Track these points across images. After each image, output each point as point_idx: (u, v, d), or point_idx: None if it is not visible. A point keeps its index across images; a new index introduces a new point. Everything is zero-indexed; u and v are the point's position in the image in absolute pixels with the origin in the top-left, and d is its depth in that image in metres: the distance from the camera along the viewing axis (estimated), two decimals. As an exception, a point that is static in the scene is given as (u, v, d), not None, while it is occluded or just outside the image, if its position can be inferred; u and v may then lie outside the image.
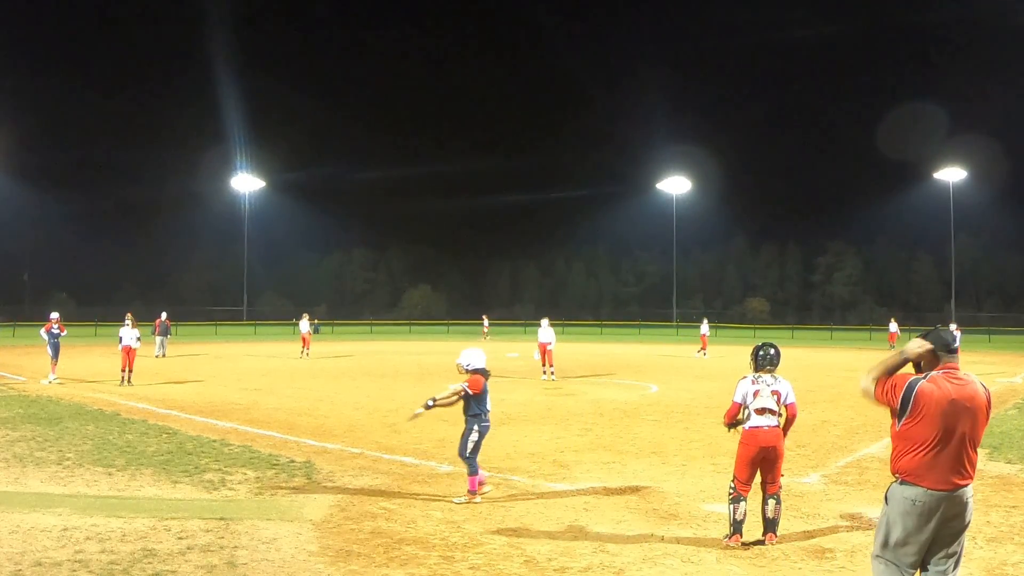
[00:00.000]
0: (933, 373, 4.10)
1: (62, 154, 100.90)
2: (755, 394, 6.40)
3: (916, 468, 4.05)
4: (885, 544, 4.15)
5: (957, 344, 4.21)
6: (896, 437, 4.14)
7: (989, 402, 4.14)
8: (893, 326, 40.25)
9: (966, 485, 4.07)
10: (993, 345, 44.12)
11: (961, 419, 4.02)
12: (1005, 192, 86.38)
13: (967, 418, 4.03)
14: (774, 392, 6.44)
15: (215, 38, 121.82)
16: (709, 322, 35.99)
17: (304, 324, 32.18)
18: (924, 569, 4.18)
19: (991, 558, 6.13)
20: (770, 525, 6.47)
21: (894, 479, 4.15)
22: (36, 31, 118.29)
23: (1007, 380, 21.68)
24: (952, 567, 4.12)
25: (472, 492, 7.74)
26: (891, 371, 4.13)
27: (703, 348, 32.77)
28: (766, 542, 6.40)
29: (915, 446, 4.04)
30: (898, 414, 4.09)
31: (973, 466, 4.12)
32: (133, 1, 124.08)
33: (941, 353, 4.13)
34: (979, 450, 11.66)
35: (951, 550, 4.11)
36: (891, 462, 4.18)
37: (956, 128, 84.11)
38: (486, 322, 55.50)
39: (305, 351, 30.85)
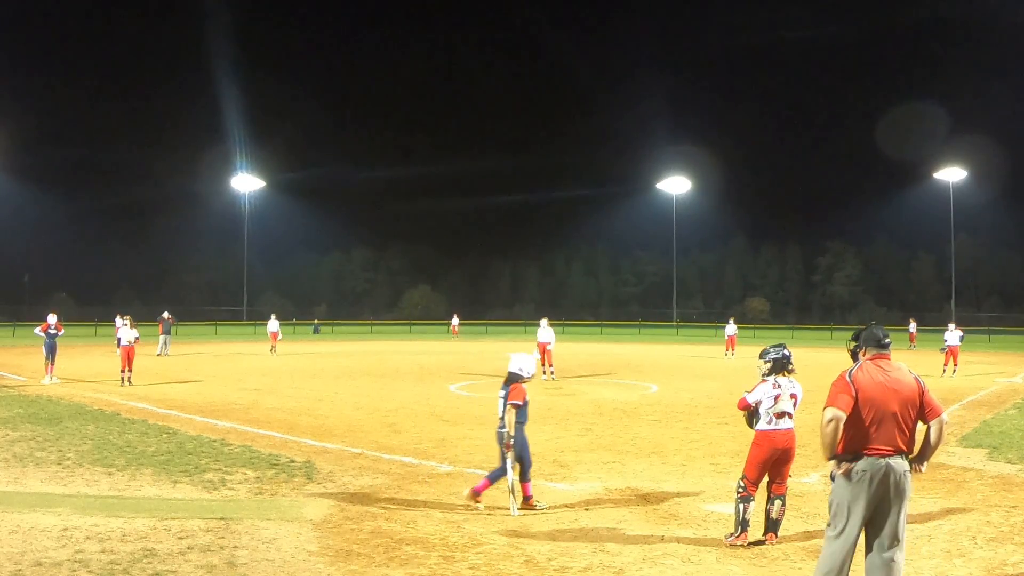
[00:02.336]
0: (862, 362, 4.64)
1: (62, 154, 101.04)
2: (776, 399, 6.39)
3: (853, 443, 4.44)
4: (833, 521, 4.50)
5: (888, 340, 4.72)
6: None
7: (921, 389, 4.56)
8: (912, 326, 40.28)
9: (901, 454, 4.44)
10: (993, 345, 44.09)
11: (890, 401, 4.47)
12: (1005, 192, 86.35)
13: (895, 400, 4.48)
14: (792, 395, 6.46)
15: (215, 38, 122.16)
16: (719, 322, 35.72)
17: (273, 323, 33.87)
18: (869, 550, 4.50)
19: (991, 558, 6.12)
20: (772, 525, 6.47)
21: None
22: (36, 31, 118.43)
23: (1007, 380, 21.64)
24: (898, 551, 4.44)
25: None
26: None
27: (731, 349, 32.50)
28: (766, 542, 6.40)
29: (853, 425, 4.45)
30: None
31: (910, 441, 4.50)
32: (133, 1, 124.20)
33: (872, 348, 4.66)
34: (978, 449, 11.57)
35: (895, 530, 4.42)
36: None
37: (956, 128, 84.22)
38: (455, 320, 54.76)
39: (272, 348, 32.62)
